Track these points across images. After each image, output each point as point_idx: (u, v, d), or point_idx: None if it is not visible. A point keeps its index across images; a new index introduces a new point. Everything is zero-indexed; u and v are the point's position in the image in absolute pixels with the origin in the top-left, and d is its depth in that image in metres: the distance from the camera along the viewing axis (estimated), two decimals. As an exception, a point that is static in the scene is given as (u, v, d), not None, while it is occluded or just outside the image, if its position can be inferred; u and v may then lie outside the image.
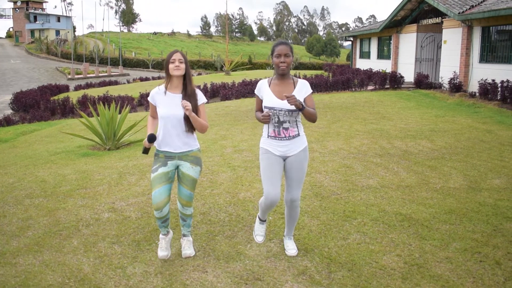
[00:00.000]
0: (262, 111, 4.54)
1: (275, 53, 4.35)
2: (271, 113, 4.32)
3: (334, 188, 6.71)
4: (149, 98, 4.55)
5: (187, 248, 4.67)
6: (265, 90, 4.45)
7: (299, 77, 25.44)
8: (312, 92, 4.52)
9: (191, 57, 70.51)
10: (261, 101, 4.50)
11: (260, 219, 4.88)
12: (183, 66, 4.39)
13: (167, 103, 4.43)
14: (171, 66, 4.37)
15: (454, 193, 6.47)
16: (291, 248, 4.71)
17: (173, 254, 4.74)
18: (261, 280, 4.20)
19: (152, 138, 4.41)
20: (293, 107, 4.29)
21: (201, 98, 4.52)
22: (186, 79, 4.46)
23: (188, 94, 4.43)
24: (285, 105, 4.30)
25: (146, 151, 4.54)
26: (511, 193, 6.44)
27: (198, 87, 24.06)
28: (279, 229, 5.28)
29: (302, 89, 4.43)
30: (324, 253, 4.67)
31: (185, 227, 4.69)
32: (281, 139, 4.40)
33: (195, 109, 4.43)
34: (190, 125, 4.43)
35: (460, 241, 4.90)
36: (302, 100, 4.35)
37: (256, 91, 4.55)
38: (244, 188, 6.78)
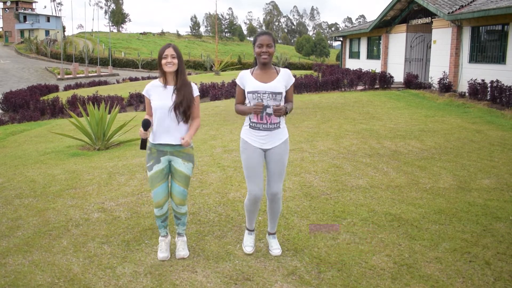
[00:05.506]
0: (243, 103, 4.56)
1: (257, 43, 4.37)
2: (263, 103, 4.32)
3: (324, 188, 6.72)
4: (144, 92, 4.54)
5: (182, 249, 4.67)
6: (247, 78, 4.45)
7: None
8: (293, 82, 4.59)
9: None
10: (243, 91, 4.50)
11: (248, 229, 4.86)
12: (175, 61, 4.38)
13: (160, 94, 4.44)
14: (163, 62, 4.38)
15: (444, 193, 6.50)
16: (275, 248, 4.71)
17: (163, 254, 4.73)
18: (250, 280, 4.19)
19: (146, 124, 4.37)
20: (277, 90, 4.34)
21: (195, 90, 4.53)
22: (178, 72, 4.44)
23: (180, 86, 4.42)
24: (268, 88, 4.34)
25: (143, 145, 4.45)
26: (500, 193, 6.47)
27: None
28: (269, 229, 5.27)
29: (286, 77, 4.47)
30: (314, 253, 4.67)
31: (180, 225, 4.69)
32: (261, 129, 4.40)
33: (190, 100, 4.43)
34: (182, 116, 4.41)
35: (450, 241, 4.92)
36: (285, 90, 4.43)
37: (237, 81, 4.53)
38: (233, 188, 6.77)
